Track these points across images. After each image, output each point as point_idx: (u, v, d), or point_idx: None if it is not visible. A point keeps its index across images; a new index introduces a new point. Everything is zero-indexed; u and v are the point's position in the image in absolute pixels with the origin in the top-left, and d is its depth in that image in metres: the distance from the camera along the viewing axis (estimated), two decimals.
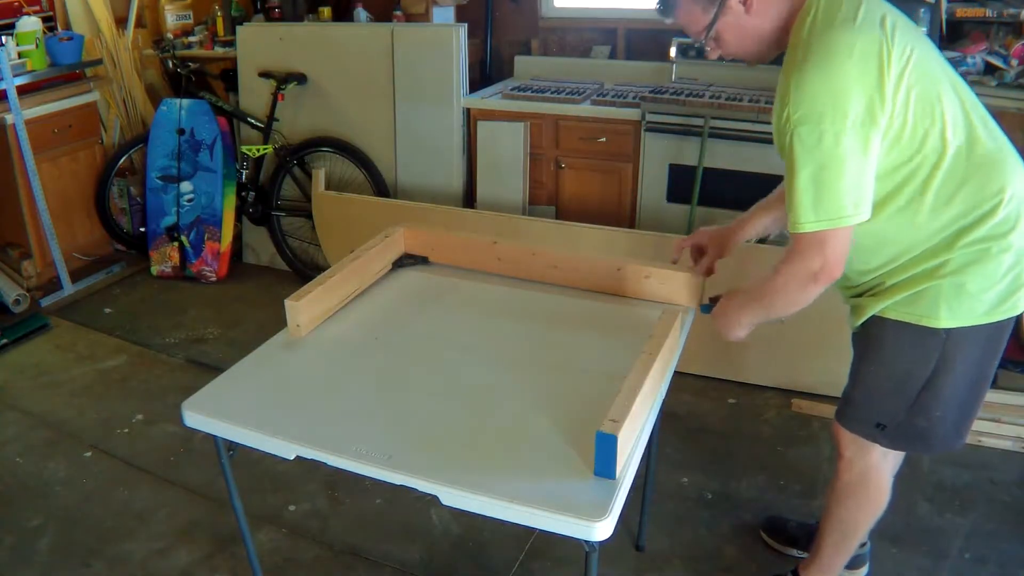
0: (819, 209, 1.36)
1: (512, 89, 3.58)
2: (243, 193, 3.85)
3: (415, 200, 3.60)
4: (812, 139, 1.34)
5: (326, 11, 4.14)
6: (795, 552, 2.14)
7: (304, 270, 3.81)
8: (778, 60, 1.51)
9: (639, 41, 3.84)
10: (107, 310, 3.64)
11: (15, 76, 3.42)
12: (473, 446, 1.29)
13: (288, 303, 1.60)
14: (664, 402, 1.51)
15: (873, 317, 1.57)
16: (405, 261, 1.94)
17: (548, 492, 1.17)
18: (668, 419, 2.68)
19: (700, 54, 3.54)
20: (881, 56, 1.34)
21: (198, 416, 1.39)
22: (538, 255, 1.84)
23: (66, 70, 3.76)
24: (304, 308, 1.60)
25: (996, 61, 2.92)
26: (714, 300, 1.67)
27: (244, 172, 3.84)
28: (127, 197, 4.05)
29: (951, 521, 2.27)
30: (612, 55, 3.89)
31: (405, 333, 1.66)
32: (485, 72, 4.06)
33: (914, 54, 1.37)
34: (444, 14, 3.99)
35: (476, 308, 1.77)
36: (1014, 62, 2.89)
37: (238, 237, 4.05)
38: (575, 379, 1.47)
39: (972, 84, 2.89)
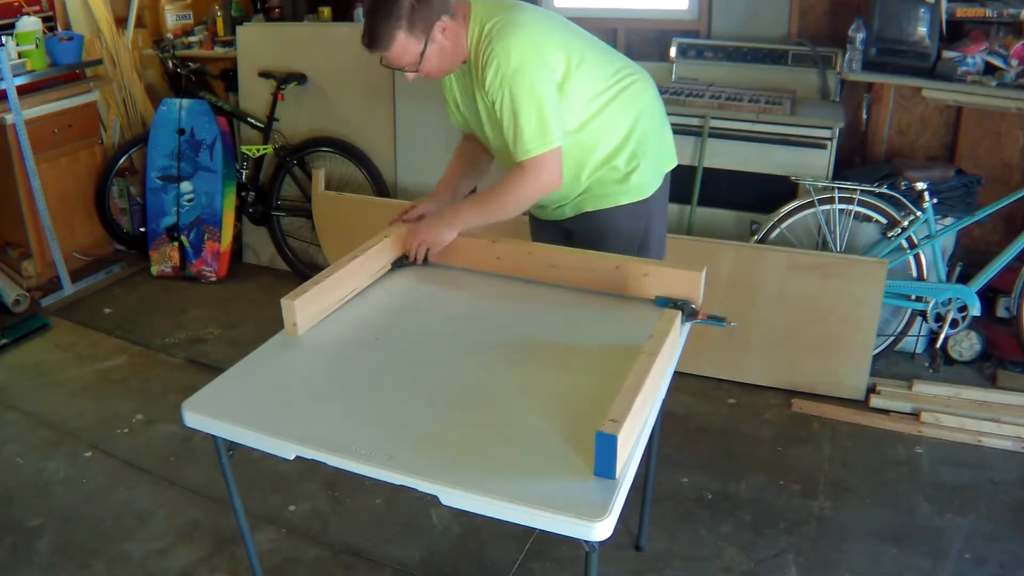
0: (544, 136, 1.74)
1: None
2: (243, 193, 3.85)
3: (415, 200, 3.59)
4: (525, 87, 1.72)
5: (326, 11, 4.14)
6: None
7: (304, 270, 3.81)
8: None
9: (639, 41, 3.84)
10: (107, 310, 3.64)
11: (15, 76, 3.42)
12: (473, 446, 1.28)
13: (284, 302, 1.59)
14: (664, 402, 1.51)
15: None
16: (405, 261, 1.94)
17: (548, 492, 1.16)
18: (668, 419, 2.68)
19: (700, 54, 3.55)
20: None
21: (198, 416, 1.39)
22: (537, 254, 1.84)
23: (66, 70, 3.76)
24: (300, 307, 1.60)
25: (996, 61, 2.92)
26: (714, 317, 1.67)
27: (244, 172, 3.84)
28: (127, 197, 4.05)
29: (951, 521, 2.27)
30: None
31: (405, 333, 1.66)
32: None
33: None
34: None
35: (476, 308, 1.77)
36: (1014, 62, 2.88)
37: (238, 237, 4.05)
38: (575, 378, 1.46)
39: (972, 84, 2.92)
